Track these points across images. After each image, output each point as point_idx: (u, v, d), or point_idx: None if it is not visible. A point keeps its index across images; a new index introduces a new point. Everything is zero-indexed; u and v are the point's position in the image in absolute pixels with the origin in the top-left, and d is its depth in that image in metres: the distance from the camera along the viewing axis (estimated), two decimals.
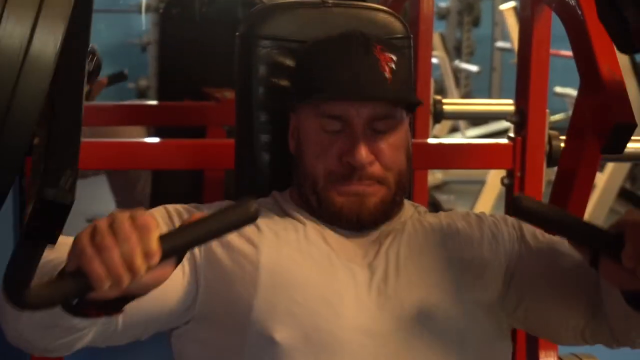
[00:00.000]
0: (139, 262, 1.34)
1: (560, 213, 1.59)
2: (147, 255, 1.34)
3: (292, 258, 1.73)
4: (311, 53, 1.88)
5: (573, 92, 6.13)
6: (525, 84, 2.36)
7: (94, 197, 4.58)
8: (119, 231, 1.35)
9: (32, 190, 1.32)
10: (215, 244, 1.71)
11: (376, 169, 1.74)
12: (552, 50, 2.50)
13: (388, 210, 1.78)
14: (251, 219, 1.47)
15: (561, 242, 1.76)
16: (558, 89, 6.66)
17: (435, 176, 6.42)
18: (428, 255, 1.78)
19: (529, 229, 1.82)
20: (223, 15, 3.11)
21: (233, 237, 1.72)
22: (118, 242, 1.34)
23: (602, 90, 2.01)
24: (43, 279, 1.40)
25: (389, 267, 1.73)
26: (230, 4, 3.19)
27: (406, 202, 1.87)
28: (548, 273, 1.76)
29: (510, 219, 1.87)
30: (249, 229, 1.73)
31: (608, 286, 1.60)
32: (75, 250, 1.36)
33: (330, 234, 1.78)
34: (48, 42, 1.16)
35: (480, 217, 1.87)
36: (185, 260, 1.66)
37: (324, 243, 1.76)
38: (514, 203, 1.54)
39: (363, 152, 1.71)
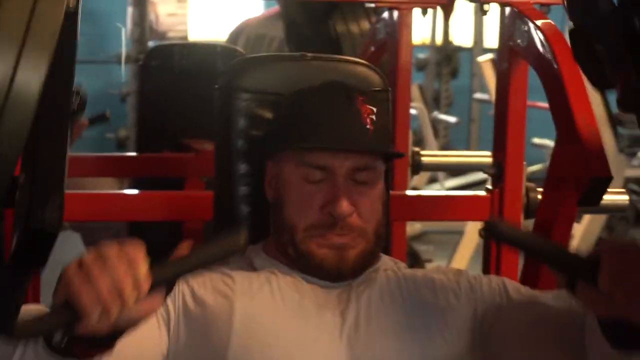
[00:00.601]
0: (128, 290, 1.30)
1: (536, 238, 1.58)
2: (136, 283, 1.31)
3: (265, 305, 1.74)
4: (294, 102, 1.89)
5: (550, 143, 6.17)
6: (503, 136, 2.37)
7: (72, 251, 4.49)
8: (107, 260, 1.32)
9: (18, 221, 1.31)
10: (190, 301, 1.72)
11: (355, 220, 1.75)
12: (529, 102, 2.51)
13: (367, 262, 1.79)
14: (240, 249, 1.45)
15: (545, 295, 1.76)
16: (536, 140, 6.70)
17: (414, 227, 6.42)
18: (399, 302, 1.78)
19: (512, 283, 1.82)
20: (202, 67, 3.11)
21: (207, 294, 1.73)
22: (106, 270, 1.30)
23: (579, 142, 2.03)
24: None
25: (360, 315, 1.74)
26: (209, 56, 3.20)
27: (385, 257, 1.88)
28: (529, 326, 1.75)
29: (494, 278, 1.88)
30: (222, 284, 1.74)
31: (592, 337, 1.57)
32: (63, 282, 1.32)
33: (302, 284, 1.78)
34: (32, 79, 1.16)
35: (458, 270, 1.88)
36: (160, 319, 1.67)
37: (296, 292, 1.76)
38: (488, 227, 1.52)
39: (344, 204, 1.73)
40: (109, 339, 1.37)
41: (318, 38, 3.58)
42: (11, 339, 1.33)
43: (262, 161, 1.90)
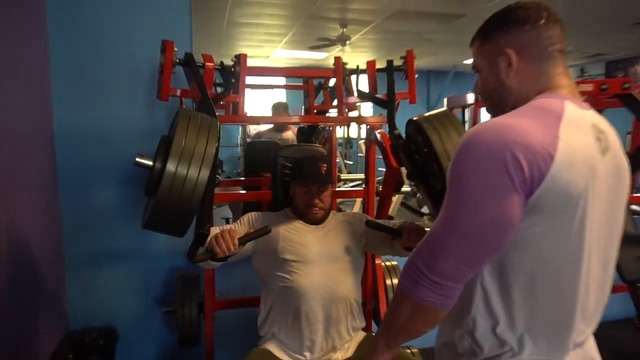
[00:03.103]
0: (231, 245, 1.34)
1: (384, 225, 1.52)
2: (234, 243, 1.35)
3: (293, 231, 1.67)
4: (297, 163, 1.78)
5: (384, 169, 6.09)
6: (368, 168, 2.30)
7: (222, 212, 4.43)
8: (225, 235, 1.36)
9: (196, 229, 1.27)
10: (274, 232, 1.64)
11: (320, 205, 1.68)
12: (377, 157, 2.44)
13: (325, 217, 1.73)
14: (268, 231, 1.44)
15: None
16: (380, 169, 6.63)
17: (338, 201, 6.32)
18: (339, 229, 1.70)
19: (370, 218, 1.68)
20: (267, 149, 3.07)
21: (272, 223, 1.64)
22: (224, 238, 1.35)
23: (392, 170, 1.99)
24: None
25: (326, 233, 1.68)
26: (269, 145, 3.13)
27: (332, 212, 1.77)
28: (376, 235, 1.65)
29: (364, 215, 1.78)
30: (279, 225, 1.67)
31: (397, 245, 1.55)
32: (211, 240, 1.36)
33: (302, 224, 1.69)
34: (203, 176, 1.11)
35: (355, 212, 1.81)
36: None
37: (301, 227, 1.69)
38: (367, 223, 1.50)
39: (316, 202, 1.66)
40: (226, 258, 1.38)
41: (309, 135, 3.38)
42: (194, 262, 1.33)
43: (288, 185, 1.79)
